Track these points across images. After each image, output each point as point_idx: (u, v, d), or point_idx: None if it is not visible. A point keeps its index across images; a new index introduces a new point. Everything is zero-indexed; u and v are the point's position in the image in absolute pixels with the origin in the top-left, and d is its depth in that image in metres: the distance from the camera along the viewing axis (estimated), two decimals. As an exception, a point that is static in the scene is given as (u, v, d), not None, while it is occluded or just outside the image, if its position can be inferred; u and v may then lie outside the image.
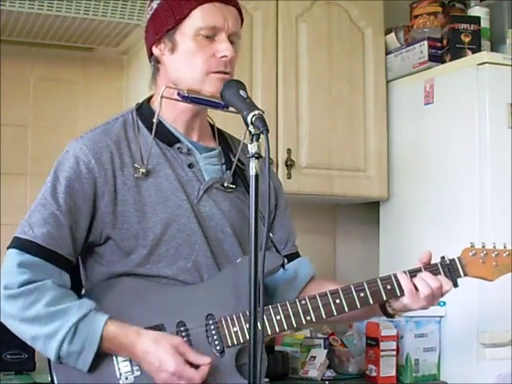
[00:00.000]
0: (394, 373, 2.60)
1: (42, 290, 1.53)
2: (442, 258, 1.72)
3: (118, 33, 2.63)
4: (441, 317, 2.65)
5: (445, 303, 2.61)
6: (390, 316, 1.73)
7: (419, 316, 2.58)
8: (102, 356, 1.54)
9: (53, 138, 2.79)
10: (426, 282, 1.66)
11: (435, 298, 1.67)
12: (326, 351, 2.63)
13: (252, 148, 1.35)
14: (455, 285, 1.70)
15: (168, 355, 1.51)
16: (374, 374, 2.59)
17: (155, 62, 1.71)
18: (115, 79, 2.92)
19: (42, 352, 1.56)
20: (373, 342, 2.60)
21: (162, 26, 1.65)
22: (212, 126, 1.81)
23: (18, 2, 2.36)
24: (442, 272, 1.69)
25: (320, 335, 2.75)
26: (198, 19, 1.63)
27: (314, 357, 2.62)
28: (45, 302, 1.52)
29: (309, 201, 3.01)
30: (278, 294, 1.77)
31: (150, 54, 1.72)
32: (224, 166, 1.73)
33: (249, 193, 1.39)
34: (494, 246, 1.74)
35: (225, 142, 1.80)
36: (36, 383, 2.33)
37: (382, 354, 2.57)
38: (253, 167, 1.34)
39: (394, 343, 2.60)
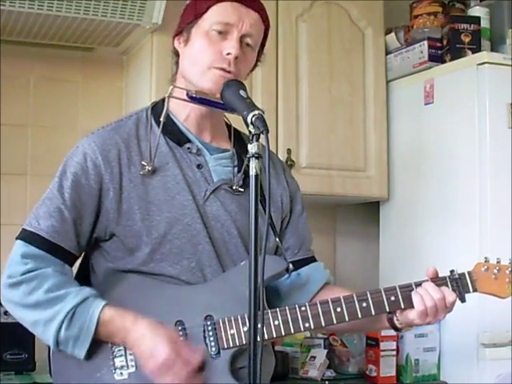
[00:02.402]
0: (394, 373, 2.60)
1: (43, 277, 1.55)
2: (452, 271, 1.67)
3: (118, 33, 2.63)
4: (441, 317, 2.65)
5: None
6: (397, 329, 1.70)
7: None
8: (98, 350, 1.55)
9: (53, 137, 2.79)
10: (429, 292, 1.62)
11: (440, 310, 1.62)
12: (326, 351, 2.63)
13: (252, 148, 1.34)
14: (462, 300, 1.65)
15: (163, 343, 1.50)
16: (374, 373, 2.59)
17: (176, 55, 1.73)
18: (115, 79, 2.92)
19: (42, 338, 1.57)
20: (373, 341, 2.60)
21: (184, 20, 1.70)
22: (229, 127, 1.80)
23: (18, 2, 2.36)
24: (449, 286, 1.65)
25: (320, 335, 2.75)
26: (213, 15, 1.65)
27: (314, 357, 2.62)
28: (45, 288, 1.54)
29: (309, 201, 2.99)
30: (289, 299, 1.75)
31: (174, 48, 1.74)
32: (236, 169, 1.72)
33: (259, 196, 1.36)
34: (511, 263, 1.67)
35: (241, 143, 1.78)
36: (36, 383, 2.33)
37: (382, 354, 2.57)
38: (253, 167, 1.33)
39: (394, 343, 2.60)
